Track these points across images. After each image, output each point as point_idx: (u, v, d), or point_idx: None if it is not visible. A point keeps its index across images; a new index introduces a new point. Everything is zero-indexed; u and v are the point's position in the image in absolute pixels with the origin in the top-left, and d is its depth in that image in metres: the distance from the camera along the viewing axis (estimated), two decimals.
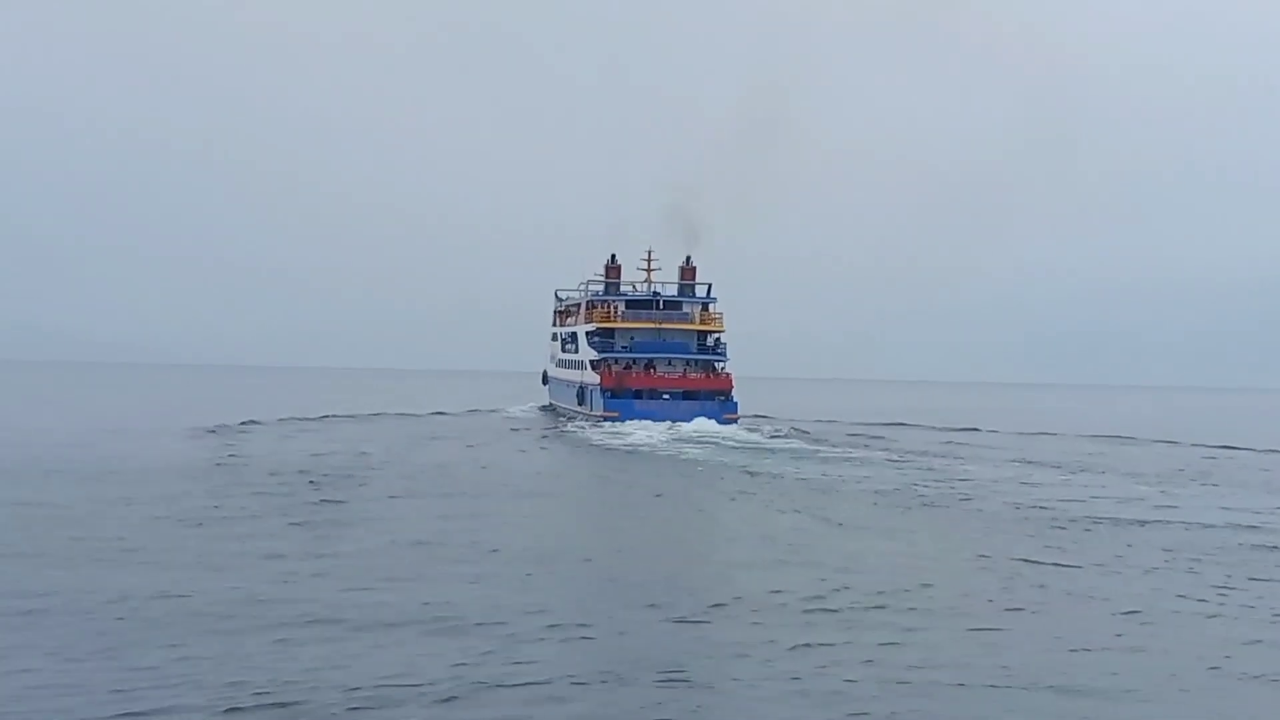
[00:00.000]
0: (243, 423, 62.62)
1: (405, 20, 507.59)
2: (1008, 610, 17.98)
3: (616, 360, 68.67)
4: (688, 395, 65.88)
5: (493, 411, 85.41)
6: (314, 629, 15.71)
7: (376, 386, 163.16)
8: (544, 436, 60.15)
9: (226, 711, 12.23)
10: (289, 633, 15.45)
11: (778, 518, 28.82)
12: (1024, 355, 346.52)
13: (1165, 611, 18.17)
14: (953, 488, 35.99)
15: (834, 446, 53.79)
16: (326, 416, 72.74)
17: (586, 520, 30.09)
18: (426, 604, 17.35)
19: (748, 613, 17.48)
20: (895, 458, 48.00)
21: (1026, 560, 22.43)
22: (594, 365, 69.41)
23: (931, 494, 34.23)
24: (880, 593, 18.94)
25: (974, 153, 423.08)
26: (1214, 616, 18.02)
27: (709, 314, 71.42)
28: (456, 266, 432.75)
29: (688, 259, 74.32)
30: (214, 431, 55.93)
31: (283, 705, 12.44)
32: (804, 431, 64.70)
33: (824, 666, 14.43)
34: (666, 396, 65.61)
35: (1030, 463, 46.51)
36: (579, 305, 77.10)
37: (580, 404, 71.64)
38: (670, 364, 69.02)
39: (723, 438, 56.55)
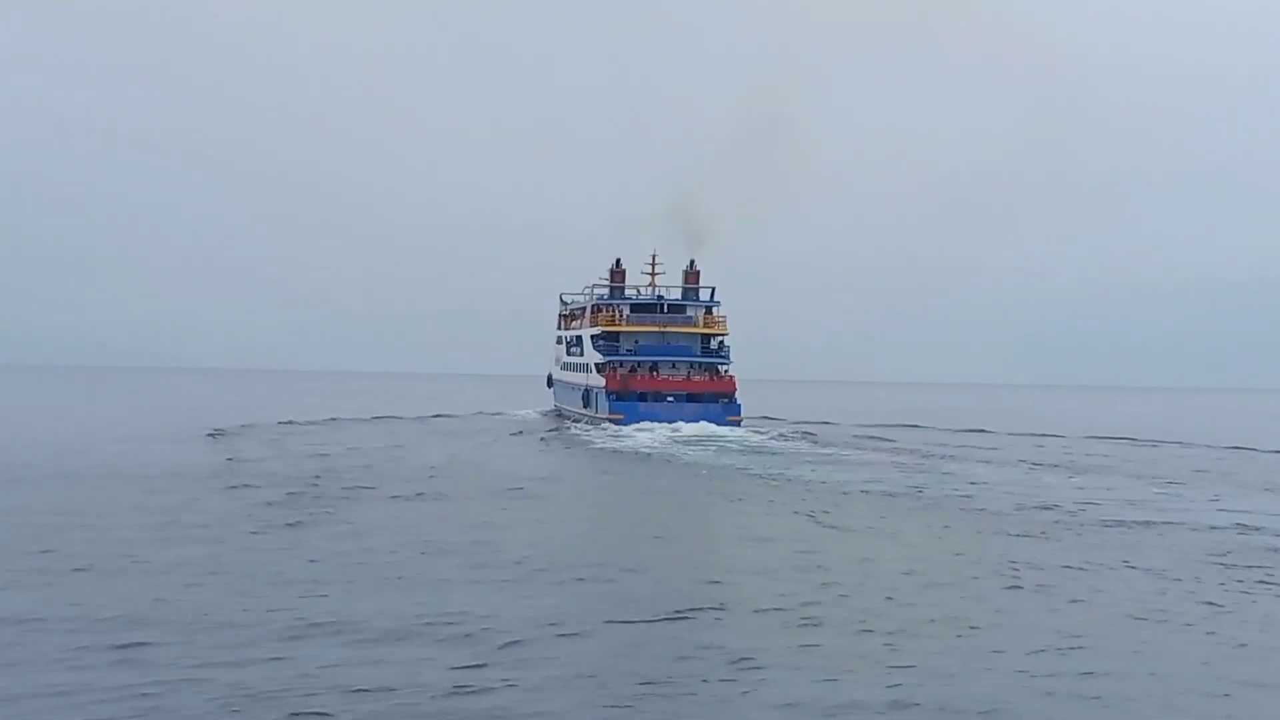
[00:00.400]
0: (245, 426, 63.02)
1: (410, 26, 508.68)
2: (1013, 610, 18.02)
3: (621, 363, 69.19)
4: (692, 398, 66.50)
5: (497, 414, 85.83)
6: (317, 633, 15.70)
7: (381, 390, 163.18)
8: (549, 439, 60.48)
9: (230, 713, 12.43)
10: (292, 638, 15.45)
11: (782, 520, 28.91)
12: (1026, 356, 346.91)
13: (1172, 613, 18.17)
14: (959, 489, 36.00)
15: (838, 448, 54.03)
16: (332, 419, 73.22)
17: (591, 524, 30.22)
18: (430, 606, 17.42)
19: (750, 615, 17.55)
20: (900, 459, 48.14)
21: (1031, 564, 22.41)
22: (599, 368, 69.95)
23: (937, 496, 34.27)
24: (883, 594, 19.00)
25: (976, 153, 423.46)
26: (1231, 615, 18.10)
27: (712, 317, 72.00)
28: (460, 271, 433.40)
29: (691, 263, 74.93)
30: (220, 434, 56.28)
31: (285, 710, 12.52)
32: (808, 433, 64.99)
33: (826, 667, 14.50)
34: (671, 399, 66.22)
35: (1038, 464, 46.58)
36: (584, 309, 77.69)
37: (585, 406, 72.20)
38: (674, 367, 69.59)
39: (727, 440, 56.86)
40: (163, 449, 47.01)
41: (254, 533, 24.66)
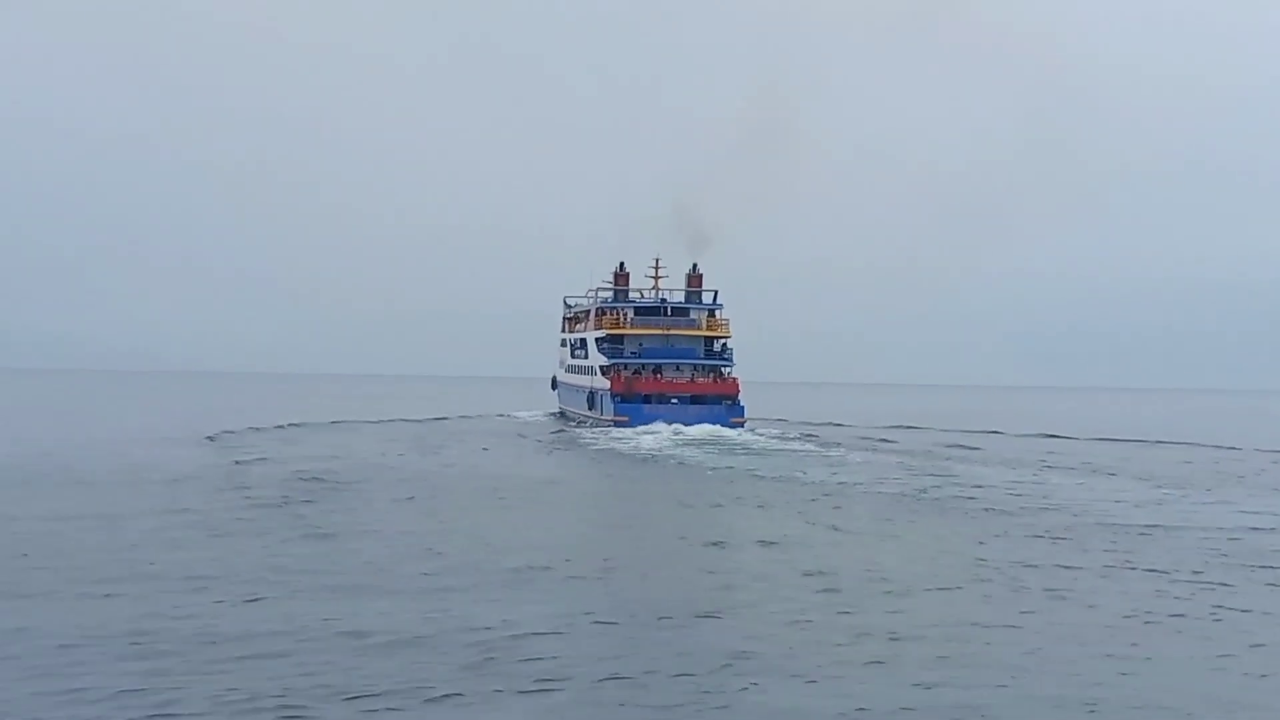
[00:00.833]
0: (251, 429, 63.32)
1: (410, 29, 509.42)
2: (1019, 613, 18.09)
3: (626, 365, 69.83)
4: (695, 399, 67.21)
5: (501, 416, 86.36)
6: (321, 642, 15.64)
7: (385, 392, 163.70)
8: (554, 441, 60.85)
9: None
10: (295, 645, 15.38)
11: (786, 523, 28.94)
12: (1029, 357, 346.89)
13: (1181, 616, 18.16)
14: (963, 491, 36.02)
15: (842, 449, 54.28)
16: (335, 422, 73.64)
17: (596, 525, 30.32)
18: (433, 609, 17.49)
19: (754, 616, 17.65)
20: (904, 460, 48.37)
21: (1036, 566, 22.36)
22: (604, 370, 70.59)
23: (942, 498, 34.37)
24: (886, 597, 19.09)
25: (977, 154, 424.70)
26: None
27: (715, 320, 72.67)
28: (463, 274, 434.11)
29: (694, 266, 75.70)
30: (226, 437, 56.57)
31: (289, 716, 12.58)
32: (812, 435, 65.30)
33: (829, 671, 14.56)
34: (675, 401, 66.90)
35: (1044, 466, 46.70)
36: (588, 312, 78.34)
37: (590, 408, 72.87)
38: (678, 369, 70.29)
39: (731, 441, 57.25)
40: (171, 452, 47.25)
41: (256, 537, 24.55)
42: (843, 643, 16.03)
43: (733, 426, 64.14)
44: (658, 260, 75.87)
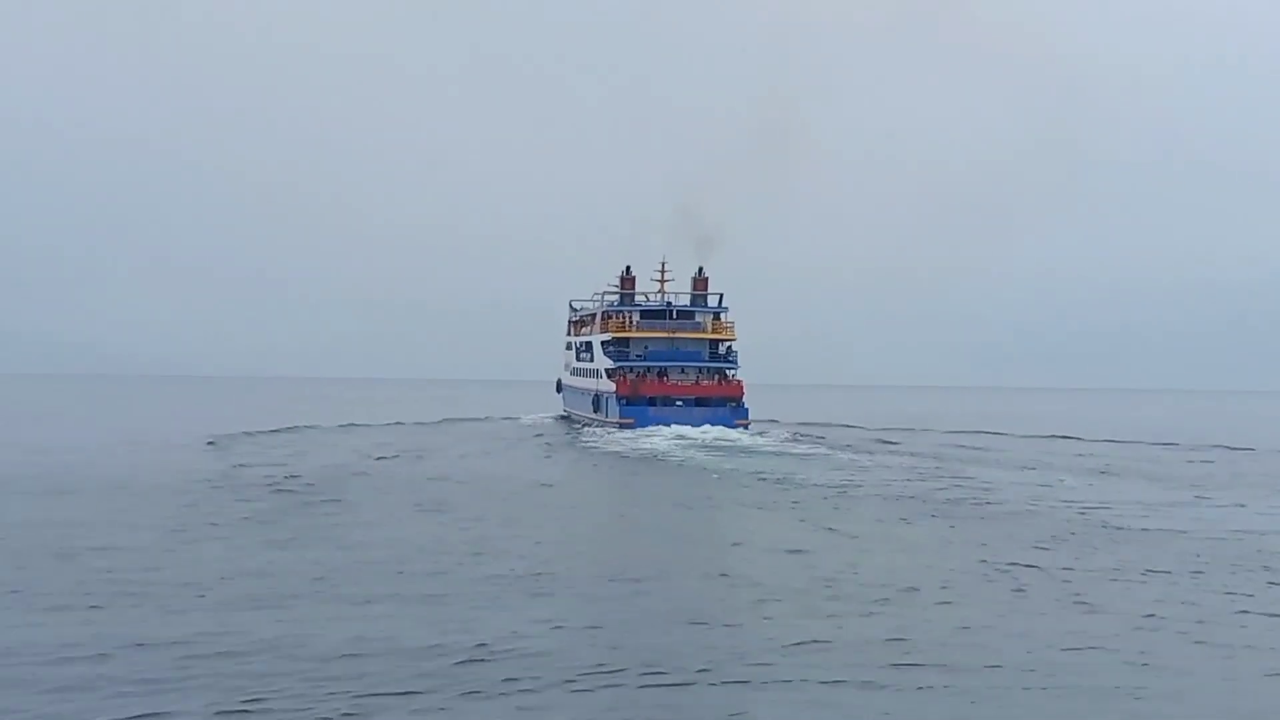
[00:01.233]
0: (255, 432, 63.95)
1: (415, 34, 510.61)
2: (1024, 617, 18.18)
3: (631, 368, 70.70)
4: (700, 402, 68.10)
5: (507, 419, 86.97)
6: (325, 644, 15.70)
7: (391, 395, 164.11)
8: (560, 443, 61.61)
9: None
10: (303, 655, 15.29)
11: (790, 525, 29.09)
12: (1035, 358, 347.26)
13: (1182, 617, 18.25)
14: (970, 493, 36.13)
15: (846, 451, 54.88)
16: (343, 425, 74.34)
17: (601, 528, 30.18)
18: (437, 613, 17.67)
19: (757, 617, 17.79)
20: (909, 462, 48.83)
21: (1040, 569, 22.43)
22: (609, 373, 71.44)
23: (949, 499, 34.48)
24: (890, 600, 19.17)
25: (983, 154, 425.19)
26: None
27: (720, 323, 73.58)
28: (469, 278, 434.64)
29: (700, 270, 76.61)
30: (229, 440, 57.20)
31: None
32: (816, 436, 65.96)
33: (833, 672, 14.71)
34: (680, 403, 67.79)
35: (1049, 467, 47.02)
36: (594, 315, 79.23)
37: (596, 411, 73.76)
38: (683, 372, 71.21)
39: (736, 443, 57.97)
40: (181, 456, 47.90)
41: (263, 542, 24.69)
42: (845, 646, 16.04)
43: (737, 428, 65.04)
44: (663, 263, 76.91)
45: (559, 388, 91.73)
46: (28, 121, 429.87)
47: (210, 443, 55.48)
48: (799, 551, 24.49)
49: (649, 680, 14.39)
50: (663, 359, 71.46)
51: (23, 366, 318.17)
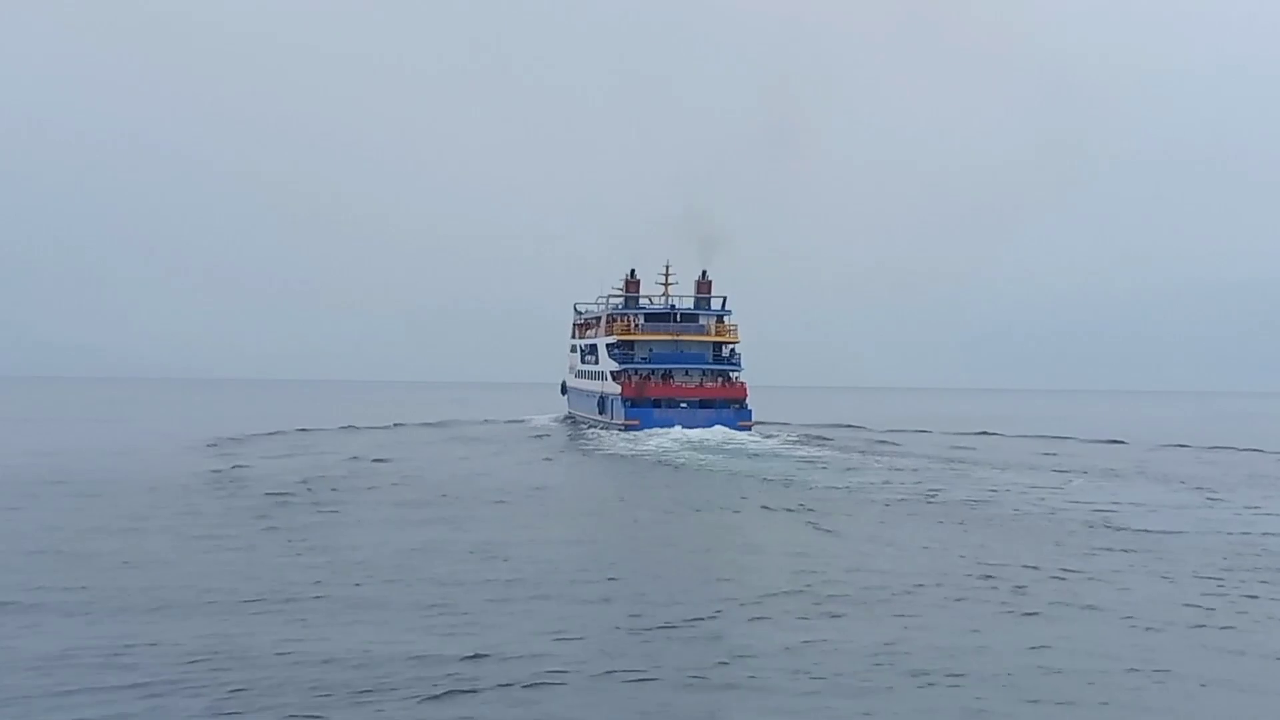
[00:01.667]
0: (260, 434, 64.52)
1: (422, 37, 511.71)
2: (1025, 617, 18.26)
3: (636, 371, 71.40)
4: (704, 404, 68.79)
5: (512, 421, 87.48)
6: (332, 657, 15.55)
7: (397, 398, 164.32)
8: (566, 445, 62.10)
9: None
10: (304, 656, 15.39)
11: (792, 526, 29.27)
12: (1040, 360, 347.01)
13: (1195, 621, 18.16)
14: (973, 495, 36.20)
15: (849, 452, 55.21)
16: (347, 427, 74.87)
17: (605, 530, 30.22)
18: (441, 613, 17.87)
19: (758, 619, 17.90)
20: (911, 463, 49.05)
21: (1033, 567, 22.61)
22: (614, 376, 72.13)
23: (951, 501, 34.58)
24: (894, 602, 19.22)
25: (987, 157, 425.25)
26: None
27: (724, 325, 74.33)
28: (473, 280, 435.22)
29: (704, 273, 77.38)
30: (232, 443, 57.65)
31: None
32: (818, 438, 66.30)
33: (833, 673, 14.82)
34: (684, 405, 68.51)
35: (1053, 469, 47.11)
36: (599, 318, 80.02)
37: (601, 413, 74.47)
38: (688, 374, 71.90)
39: (739, 445, 58.37)
40: (190, 457, 48.30)
41: (262, 543, 24.80)
42: (845, 648, 16.09)
43: (740, 429, 65.62)
44: (668, 266, 77.53)
45: (564, 390, 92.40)
46: (47, 128, 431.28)
47: (211, 445, 55.96)
48: (801, 554, 24.53)
49: (649, 680, 14.55)
50: (667, 361, 72.15)
51: (25, 369, 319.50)
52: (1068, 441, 67.72)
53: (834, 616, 18.25)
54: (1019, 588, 20.78)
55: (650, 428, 65.78)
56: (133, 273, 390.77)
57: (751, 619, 18.08)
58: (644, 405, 68.33)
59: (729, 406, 68.47)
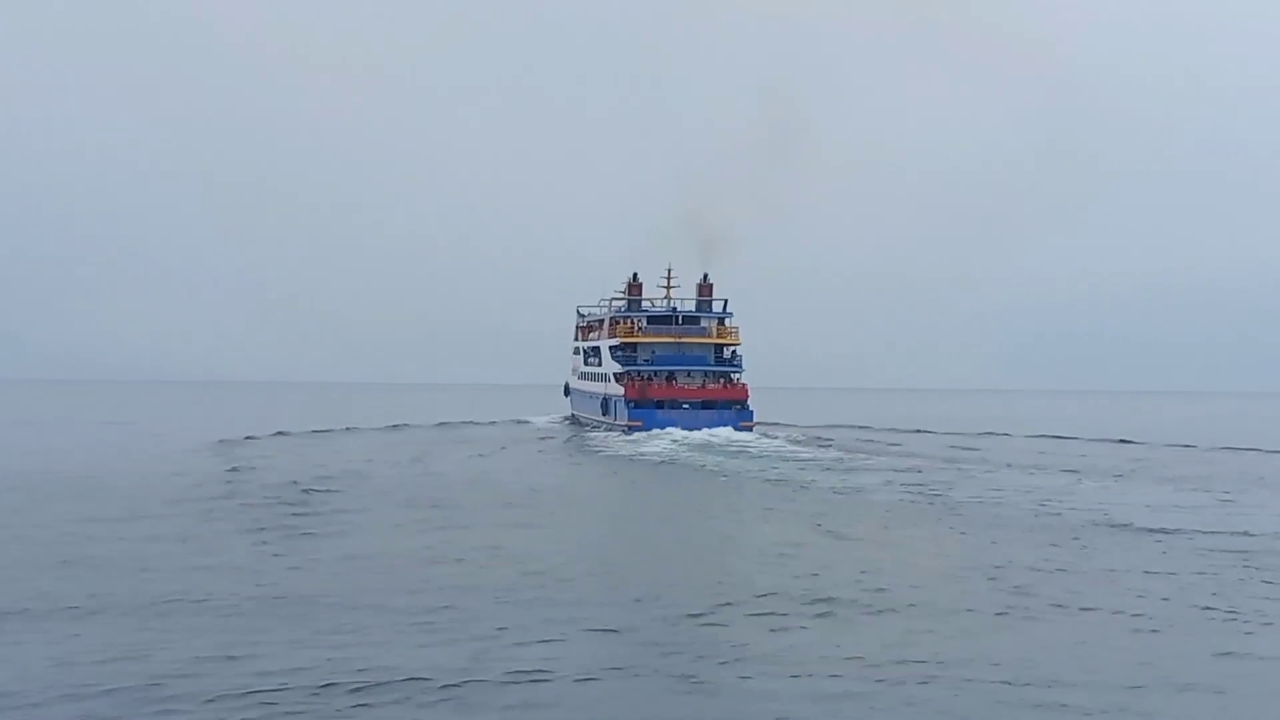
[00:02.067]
0: (261, 436, 64.64)
1: (420, 42, 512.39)
2: (1026, 618, 18.21)
3: (639, 372, 71.88)
4: (706, 405, 69.42)
5: (516, 422, 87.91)
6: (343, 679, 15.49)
7: (402, 400, 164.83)
8: (570, 446, 62.31)
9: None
10: (302, 657, 15.38)
11: (795, 528, 29.21)
12: (1040, 362, 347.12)
13: (1197, 622, 18.15)
14: (974, 495, 36.17)
15: (850, 453, 55.39)
16: (350, 428, 75.15)
17: (608, 529, 30.36)
18: (446, 614, 17.94)
19: (759, 619, 17.92)
20: (913, 464, 49.16)
21: (1035, 568, 22.58)
22: (617, 377, 72.65)
23: (950, 500, 34.65)
24: (896, 603, 19.16)
25: (985, 159, 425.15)
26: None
27: (725, 328, 75.00)
28: (475, 284, 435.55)
29: (705, 276, 77.99)
30: (235, 444, 57.80)
31: None
32: (820, 439, 66.49)
33: (835, 674, 14.83)
34: (686, 406, 69.25)
35: (1055, 469, 47.16)
36: (602, 321, 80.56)
37: (604, 414, 74.99)
38: (690, 375, 72.58)
39: (741, 445, 58.63)
40: (196, 458, 48.42)
41: (260, 545, 24.79)
42: (847, 651, 16.04)
43: (742, 430, 66.16)
44: (669, 270, 78.19)
45: (567, 391, 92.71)
46: (42, 134, 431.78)
47: (219, 442, 56.19)
48: (802, 554, 24.54)
49: (649, 680, 14.59)
50: (669, 363, 72.73)
51: (39, 373, 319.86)
52: (1072, 441, 67.80)
53: (835, 617, 18.23)
54: (1019, 587, 20.67)
55: (653, 429, 66.40)
56: (135, 277, 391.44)
57: (752, 619, 18.06)
58: (647, 406, 68.89)
59: (731, 408, 69.06)
